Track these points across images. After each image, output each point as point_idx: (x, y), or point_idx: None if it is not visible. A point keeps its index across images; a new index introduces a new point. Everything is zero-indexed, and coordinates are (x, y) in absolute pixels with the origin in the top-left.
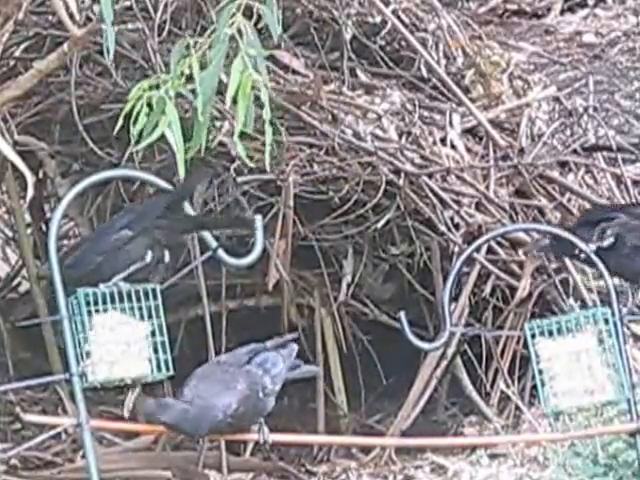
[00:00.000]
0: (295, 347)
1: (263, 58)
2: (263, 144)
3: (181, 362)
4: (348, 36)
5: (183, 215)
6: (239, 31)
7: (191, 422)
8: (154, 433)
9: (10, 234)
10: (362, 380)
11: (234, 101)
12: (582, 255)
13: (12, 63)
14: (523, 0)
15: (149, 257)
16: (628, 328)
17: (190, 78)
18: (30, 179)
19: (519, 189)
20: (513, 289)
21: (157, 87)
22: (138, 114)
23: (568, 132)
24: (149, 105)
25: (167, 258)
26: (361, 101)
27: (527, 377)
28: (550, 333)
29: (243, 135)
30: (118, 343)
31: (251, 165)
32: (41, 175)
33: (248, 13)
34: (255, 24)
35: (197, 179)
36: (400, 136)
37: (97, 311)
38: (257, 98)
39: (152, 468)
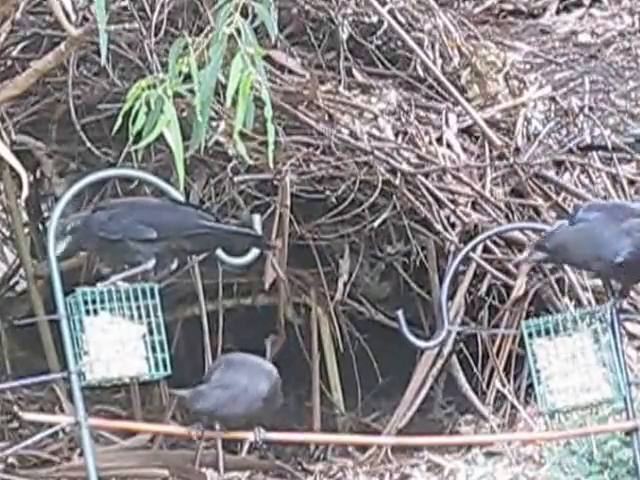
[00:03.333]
0: None
1: (261, 57)
2: (260, 143)
3: (178, 361)
4: (344, 36)
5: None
6: (237, 30)
7: (228, 406)
8: (151, 432)
9: (7, 233)
10: (358, 379)
11: (234, 101)
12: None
13: (9, 63)
14: (519, 0)
15: (151, 264)
16: (623, 327)
17: (187, 77)
18: (25, 178)
19: (515, 188)
20: (509, 288)
21: (155, 86)
22: (137, 113)
23: (564, 132)
24: (147, 104)
25: (174, 265)
26: (357, 101)
27: (523, 376)
28: (546, 332)
29: (241, 134)
30: (112, 343)
31: (250, 163)
32: (38, 174)
33: (244, 12)
34: (251, 23)
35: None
36: (396, 135)
37: (95, 310)
38: (255, 97)
39: (149, 467)
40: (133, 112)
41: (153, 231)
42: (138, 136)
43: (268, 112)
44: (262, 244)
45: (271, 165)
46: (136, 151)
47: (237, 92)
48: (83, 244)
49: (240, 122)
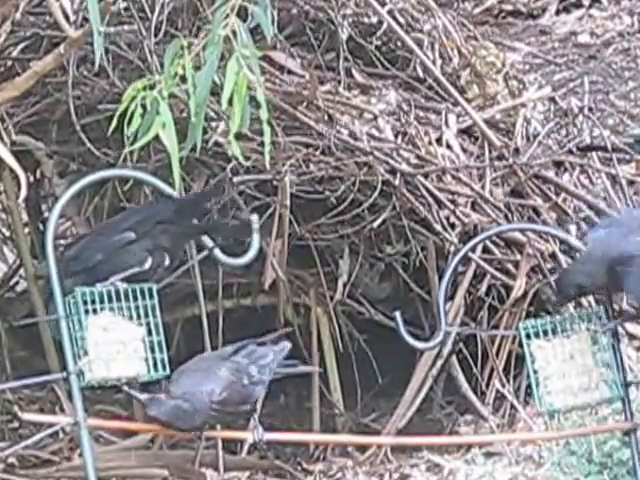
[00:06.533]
0: (288, 345)
1: (257, 58)
2: (259, 144)
3: (178, 361)
4: (344, 36)
5: (188, 222)
6: (233, 32)
7: (183, 416)
8: (151, 432)
9: (7, 233)
10: (358, 379)
11: (230, 102)
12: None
13: (9, 64)
14: (518, 0)
15: (148, 264)
16: (623, 327)
17: (185, 78)
18: (23, 179)
19: (514, 189)
20: (508, 288)
21: (151, 87)
22: (132, 115)
23: (563, 132)
24: (143, 106)
25: (167, 262)
26: (357, 101)
27: (522, 376)
28: (545, 333)
29: (240, 135)
30: (112, 343)
31: (247, 165)
32: (38, 175)
33: (243, 13)
34: (249, 24)
35: (210, 193)
36: (396, 136)
37: (94, 311)
38: (252, 98)
39: (149, 467)
40: (128, 113)
41: (130, 232)
42: (134, 137)
43: (264, 114)
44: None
45: (268, 167)
46: (131, 152)
47: (234, 93)
48: (73, 286)
49: (237, 124)
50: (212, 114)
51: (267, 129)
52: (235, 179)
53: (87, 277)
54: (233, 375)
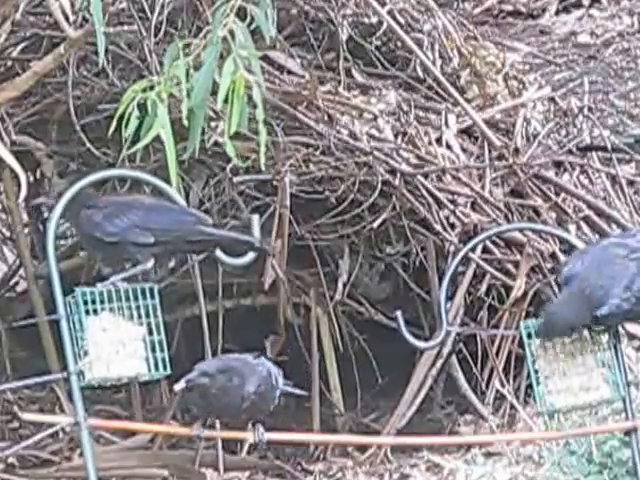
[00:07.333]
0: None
1: (257, 58)
2: (258, 144)
3: (178, 361)
4: (344, 36)
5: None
6: (231, 33)
7: (221, 401)
8: (151, 432)
9: (7, 233)
10: (358, 379)
11: (225, 102)
12: None
13: (9, 64)
14: (518, 1)
15: (150, 265)
16: (622, 327)
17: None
18: (23, 179)
19: (514, 189)
20: (508, 288)
21: (151, 89)
22: (130, 116)
23: (563, 132)
24: (141, 107)
25: (172, 263)
26: (357, 101)
27: (522, 376)
28: None
29: (238, 135)
30: (112, 343)
31: (246, 165)
32: (38, 175)
33: (243, 13)
34: (250, 24)
35: (252, 245)
36: (396, 136)
37: (95, 311)
38: (250, 98)
39: (149, 467)
40: (126, 115)
41: (150, 236)
42: (135, 138)
43: (260, 115)
44: (260, 250)
45: (262, 167)
46: (136, 152)
47: (232, 93)
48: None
49: (235, 124)
50: (211, 114)
51: (263, 129)
52: (235, 179)
53: (95, 246)
54: (267, 372)
